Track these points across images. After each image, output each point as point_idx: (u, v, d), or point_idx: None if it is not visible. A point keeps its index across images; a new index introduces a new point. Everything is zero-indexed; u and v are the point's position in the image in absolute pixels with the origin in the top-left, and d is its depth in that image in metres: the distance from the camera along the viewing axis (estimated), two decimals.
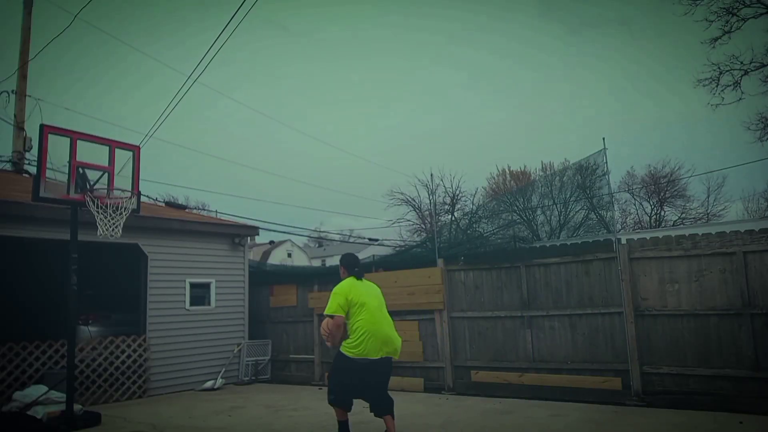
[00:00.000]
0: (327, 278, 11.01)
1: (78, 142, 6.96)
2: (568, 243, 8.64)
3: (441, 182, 35.94)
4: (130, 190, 7.40)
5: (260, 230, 11.95)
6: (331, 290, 10.55)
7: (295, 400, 8.88)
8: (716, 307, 7.07)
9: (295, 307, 11.44)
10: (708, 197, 32.98)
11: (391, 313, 10.04)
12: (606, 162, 8.08)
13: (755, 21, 16.52)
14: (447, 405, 7.97)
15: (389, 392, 5.50)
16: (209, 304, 10.67)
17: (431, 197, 35.12)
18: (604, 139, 7.91)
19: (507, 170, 36.15)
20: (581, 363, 8.02)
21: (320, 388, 10.03)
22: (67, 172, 6.91)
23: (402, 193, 35.66)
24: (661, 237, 7.60)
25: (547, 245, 8.65)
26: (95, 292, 11.39)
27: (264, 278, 12.16)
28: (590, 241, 8.53)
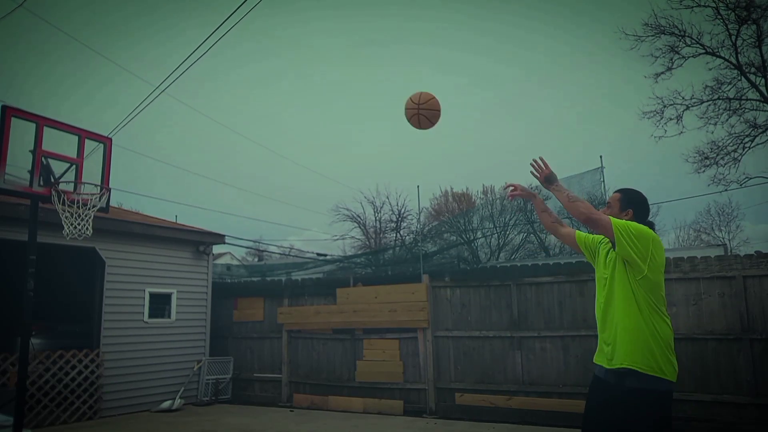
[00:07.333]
0: (299, 291, 10.39)
1: (44, 129, 6.15)
2: (562, 262, 8.44)
3: (387, 200, 35.67)
4: (99, 184, 6.62)
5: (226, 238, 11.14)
6: (302, 305, 10.13)
7: (270, 424, 8.16)
8: (715, 331, 7.01)
9: (262, 322, 10.68)
10: None
11: (370, 331, 9.78)
12: (603, 180, 7.97)
13: (695, 60, 17.41)
14: (437, 431, 7.52)
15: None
16: (169, 316, 9.78)
17: (377, 213, 34.65)
18: (601, 157, 7.81)
19: (449, 191, 36.32)
20: (574, 387, 7.78)
21: (291, 410, 9.33)
22: (31, 162, 6.07)
23: (348, 209, 35.03)
24: None
25: (540, 264, 8.42)
26: (39, 299, 10.21)
27: (227, 290, 11.36)
28: (585, 260, 8.36)
